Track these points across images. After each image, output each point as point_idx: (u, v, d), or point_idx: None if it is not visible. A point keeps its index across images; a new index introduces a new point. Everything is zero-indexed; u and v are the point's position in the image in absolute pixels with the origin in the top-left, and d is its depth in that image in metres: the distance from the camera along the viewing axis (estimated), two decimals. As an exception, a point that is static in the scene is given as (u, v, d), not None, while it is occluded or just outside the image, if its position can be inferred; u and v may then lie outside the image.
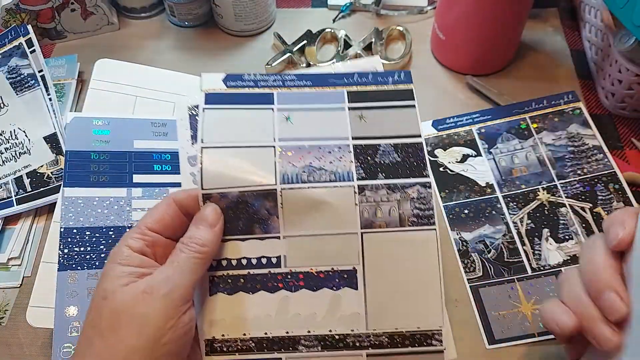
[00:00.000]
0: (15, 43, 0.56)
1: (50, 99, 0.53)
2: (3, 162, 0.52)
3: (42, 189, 0.49)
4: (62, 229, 0.43)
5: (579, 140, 0.51)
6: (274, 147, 0.37)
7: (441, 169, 0.52)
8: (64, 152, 0.48)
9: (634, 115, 0.56)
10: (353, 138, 0.38)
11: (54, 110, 0.53)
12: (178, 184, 0.46)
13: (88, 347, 0.30)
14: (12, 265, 0.47)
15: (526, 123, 0.53)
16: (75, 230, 0.44)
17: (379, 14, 0.65)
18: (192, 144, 0.39)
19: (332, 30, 0.62)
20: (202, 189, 0.35)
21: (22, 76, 0.54)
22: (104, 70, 0.54)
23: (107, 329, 0.30)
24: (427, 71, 0.60)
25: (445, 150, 0.53)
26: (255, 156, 0.37)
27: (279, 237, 0.36)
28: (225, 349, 0.35)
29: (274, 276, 0.36)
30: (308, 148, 0.37)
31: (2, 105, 0.54)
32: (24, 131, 0.52)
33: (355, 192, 0.36)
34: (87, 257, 0.43)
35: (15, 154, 0.52)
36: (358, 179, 0.37)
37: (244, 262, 0.36)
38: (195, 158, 0.37)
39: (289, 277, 0.36)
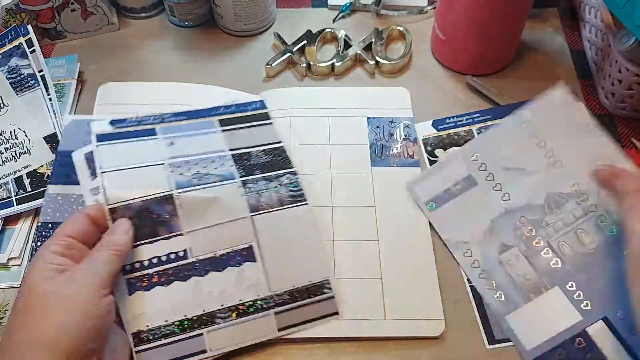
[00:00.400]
0: (15, 43, 0.56)
1: (50, 99, 0.53)
2: (3, 162, 0.52)
3: (42, 189, 0.49)
4: (39, 224, 0.46)
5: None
6: (164, 163, 0.45)
7: (441, 169, 0.52)
8: (56, 152, 0.49)
9: (634, 115, 0.56)
10: (230, 150, 0.47)
11: (54, 111, 0.53)
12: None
13: (19, 327, 0.34)
14: (12, 265, 0.47)
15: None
16: (50, 225, 0.46)
17: (379, 14, 0.65)
18: (92, 179, 0.44)
19: (332, 30, 0.62)
20: (108, 204, 0.41)
21: (22, 76, 0.54)
22: (107, 95, 0.56)
23: (37, 309, 0.34)
24: (427, 71, 0.60)
25: (445, 150, 0.53)
26: (149, 172, 0.44)
27: (182, 234, 0.42)
28: (151, 337, 0.40)
29: (184, 267, 0.42)
30: (194, 161, 0.45)
31: (2, 105, 0.54)
32: (24, 131, 0.52)
33: (239, 186, 0.45)
34: None
35: (15, 154, 0.52)
36: (240, 176, 0.45)
37: (155, 260, 0.41)
38: (96, 189, 0.43)
39: (197, 264, 0.42)
